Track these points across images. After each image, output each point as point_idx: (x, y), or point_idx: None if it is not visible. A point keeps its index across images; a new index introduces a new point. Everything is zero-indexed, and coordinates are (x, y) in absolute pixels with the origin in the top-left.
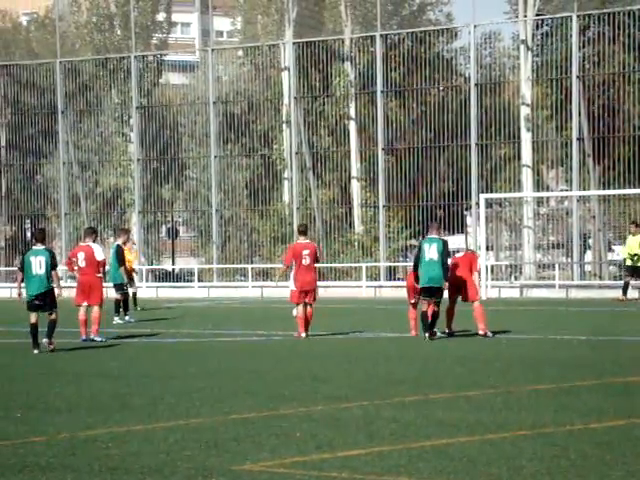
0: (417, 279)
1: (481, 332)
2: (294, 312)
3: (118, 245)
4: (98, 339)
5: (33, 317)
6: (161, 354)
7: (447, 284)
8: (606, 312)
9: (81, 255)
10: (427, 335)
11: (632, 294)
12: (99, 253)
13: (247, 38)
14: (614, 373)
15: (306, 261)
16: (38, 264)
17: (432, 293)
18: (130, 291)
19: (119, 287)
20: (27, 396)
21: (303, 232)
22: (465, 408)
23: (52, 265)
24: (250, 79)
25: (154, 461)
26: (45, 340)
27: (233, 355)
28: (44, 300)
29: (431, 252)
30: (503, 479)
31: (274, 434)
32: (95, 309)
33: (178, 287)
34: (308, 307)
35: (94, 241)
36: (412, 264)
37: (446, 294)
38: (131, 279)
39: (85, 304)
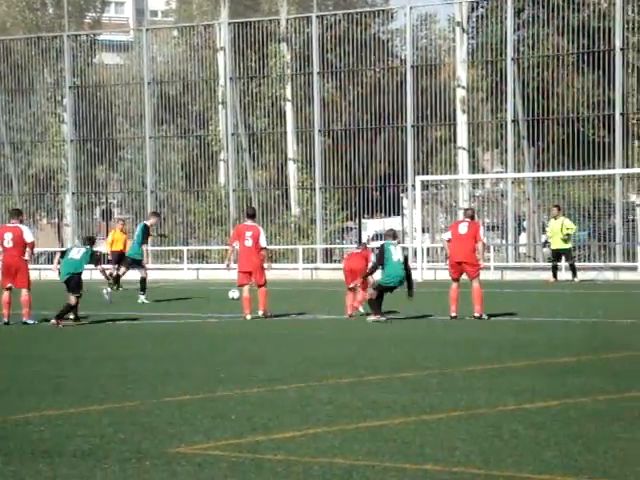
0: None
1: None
2: (230, 294)
3: (145, 224)
4: (31, 322)
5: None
6: (95, 337)
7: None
8: (540, 293)
9: (8, 236)
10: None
11: (567, 275)
12: (28, 235)
13: (182, 18)
14: (548, 354)
15: (248, 242)
16: (76, 252)
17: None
18: (116, 272)
19: (138, 263)
20: None
21: (250, 215)
22: (400, 389)
23: (91, 258)
24: (185, 59)
25: (87, 444)
26: (53, 321)
27: (168, 338)
28: (71, 281)
29: (397, 253)
30: (437, 460)
31: (209, 417)
32: (24, 292)
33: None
34: (260, 288)
35: (21, 222)
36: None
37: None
38: (120, 261)
39: (9, 285)
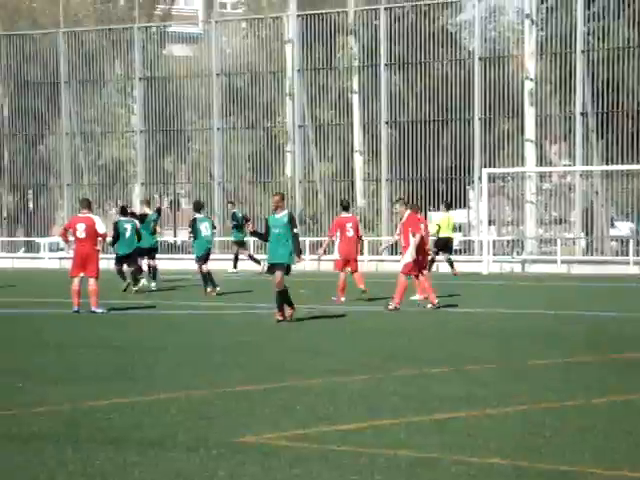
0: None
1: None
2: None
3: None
4: (99, 311)
5: (204, 267)
6: (154, 325)
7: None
8: (607, 287)
9: (81, 226)
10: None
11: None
12: (100, 225)
13: (251, 10)
14: (615, 349)
15: (349, 233)
16: (205, 228)
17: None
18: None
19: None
20: (27, 366)
21: (345, 207)
22: (464, 382)
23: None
24: (253, 51)
25: (155, 433)
26: (209, 289)
27: (231, 328)
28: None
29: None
30: (503, 454)
31: (273, 407)
32: (92, 281)
33: (177, 259)
34: (354, 273)
35: (92, 212)
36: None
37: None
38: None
39: (81, 275)
